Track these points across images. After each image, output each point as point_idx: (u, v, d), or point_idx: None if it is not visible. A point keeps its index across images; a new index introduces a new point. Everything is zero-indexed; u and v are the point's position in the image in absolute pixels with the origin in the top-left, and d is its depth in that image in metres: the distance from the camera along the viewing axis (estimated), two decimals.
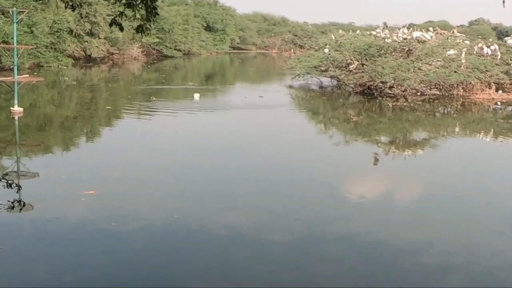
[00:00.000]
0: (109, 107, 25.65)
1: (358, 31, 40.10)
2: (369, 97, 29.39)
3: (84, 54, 50.12)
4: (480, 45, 32.88)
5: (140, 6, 8.07)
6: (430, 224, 10.36)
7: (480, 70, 29.85)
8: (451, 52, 31.26)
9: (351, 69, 31.93)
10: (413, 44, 31.68)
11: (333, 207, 11.24)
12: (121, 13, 7.99)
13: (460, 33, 39.66)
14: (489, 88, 30.27)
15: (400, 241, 9.37)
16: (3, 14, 35.86)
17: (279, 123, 22.54)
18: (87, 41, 49.63)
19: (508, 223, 10.81)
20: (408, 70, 29.55)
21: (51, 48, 41.86)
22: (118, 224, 9.58)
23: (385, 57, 30.55)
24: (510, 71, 30.92)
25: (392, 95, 29.39)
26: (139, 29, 8.26)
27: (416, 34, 33.27)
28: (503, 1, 9.24)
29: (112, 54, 56.04)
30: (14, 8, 22.56)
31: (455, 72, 29.70)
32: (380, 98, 28.74)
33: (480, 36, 48.37)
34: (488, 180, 14.23)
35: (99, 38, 51.19)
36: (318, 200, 11.62)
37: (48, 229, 9.39)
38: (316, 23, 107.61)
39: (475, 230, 10.30)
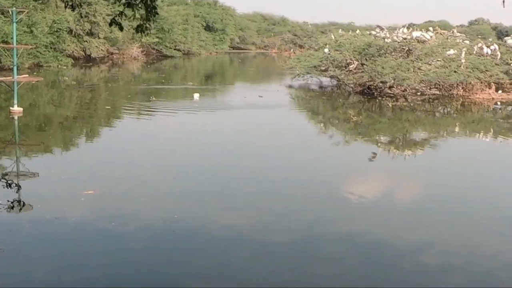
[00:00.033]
0: (109, 107, 25.64)
1: (358, 31, 40.08)
2: (369, 97, 29.39)
3: (83, 54, 50.11)
4: (480, 45, 32.88)
5: (139, 5, 8.07)
6: (430, 224, 10.35)
7: (480, 70, 29.85)
8: (451, 52, 31.26)
9: (350, 69, 31.93)
10: (413, 44, 31.67)
11: (333, 207, 11.23)
12: (121, 13, 7.99)
13: (460, 33, 39.65)
14: (489, 88, 30.28)
15: (400, 241, 9.37)
16: (2, 13, 35.85)
17: (279, 123, 22.53)
18: (86, 41, 49.62)
19: (508, 223, 10.81)
20: (408, 70, 29.55)
21: (51, 48, 41.84)
22: (118, 224, 9.57)
23: (385, 57, 30.54)
24: (510, 71, 30.92)
25: (392, 95, 29.39)
26: (139, 29, 8.26)
27: (416, 34, 33.25)
28: (503, 1, 9.25)
29: (112, 54, 56.02)
30: (14, 8, 22.57)
31: (455, 72, 29.70)
32: (380, 98, 28.74)
33: (480, 36, 48.35)
34: (488, 180, 14.22)
35: (99, 38, 51.17)
36: (318, 200, 11.61)
37: (48, 229, 9.38)
38: (316, 23, 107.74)
39: (475, 230, 10.29)
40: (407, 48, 31.43)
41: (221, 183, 12.64)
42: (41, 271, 7.76)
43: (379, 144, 18.80)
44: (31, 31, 39.11)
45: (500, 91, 30.38)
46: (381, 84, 29.37)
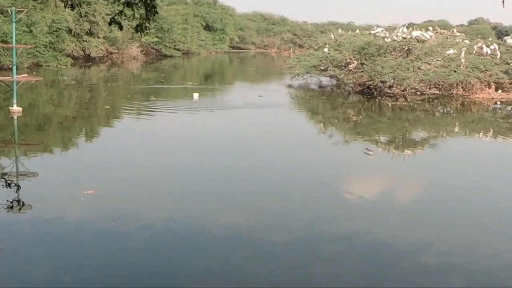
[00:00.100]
0: (108, 107, 25.63)
1: (357, 31, 40.07)
2: (368, 96, 29.38)
3: (83, 54, 50.09)
4: (479, 44, 32.87)
5: (139, 5, 8.05)
6: (430, 224, 10.35)
7: (479, 70, 29.84)
8: (451, 51, 31.24)
9: (350, 68, 31.92)
10: (413, 43, 31.65)
11: (333, 207, 11.23)
12: (121, 12, 7.97)
13: (459, 32, 39.63)
14: (489, 88, 30.28)
15: (400, 241, 9.36)
16: (2, 13, 35.80)
17: (279, 122, 22.52)
18: (86, 41, 49.61)
19: (508, 223, 10.80)
20: (408, 70, 29.54)
21: (50, 47, 41.82)
22: (118, 224, 9.56)
23: (384, 57, 30.53)
24: (510, 70, 30.92)
25: (391, 94, 29.38)
26: (138, 28, 8.25)
27: (416, 33, 33.23)
28: (503, 1, 9.24)
29: (111, 53, 56.00)
30: (13, 8, 22.55)
31: (454, 71, 29.68)
32: (379, 98, 28.74)
33: (479, 36, 48.30)
34: (488, 180, 14.22)
35: (98, 37, 51.15)
36: (318, 200, 11.60)
37: (47, 229, 9.37)
38: (316, 22, 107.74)
39: (475, 230, 10.29)
40: (406, 48, 31.41)
41: (221, 183, 12.63)
42: (40, 271, 7.75)
43: (378, 144, 18.78)
44: (31, 31, 39.08)
45: (499, 91, 30.38)
46: (380, 84, 29.36)
